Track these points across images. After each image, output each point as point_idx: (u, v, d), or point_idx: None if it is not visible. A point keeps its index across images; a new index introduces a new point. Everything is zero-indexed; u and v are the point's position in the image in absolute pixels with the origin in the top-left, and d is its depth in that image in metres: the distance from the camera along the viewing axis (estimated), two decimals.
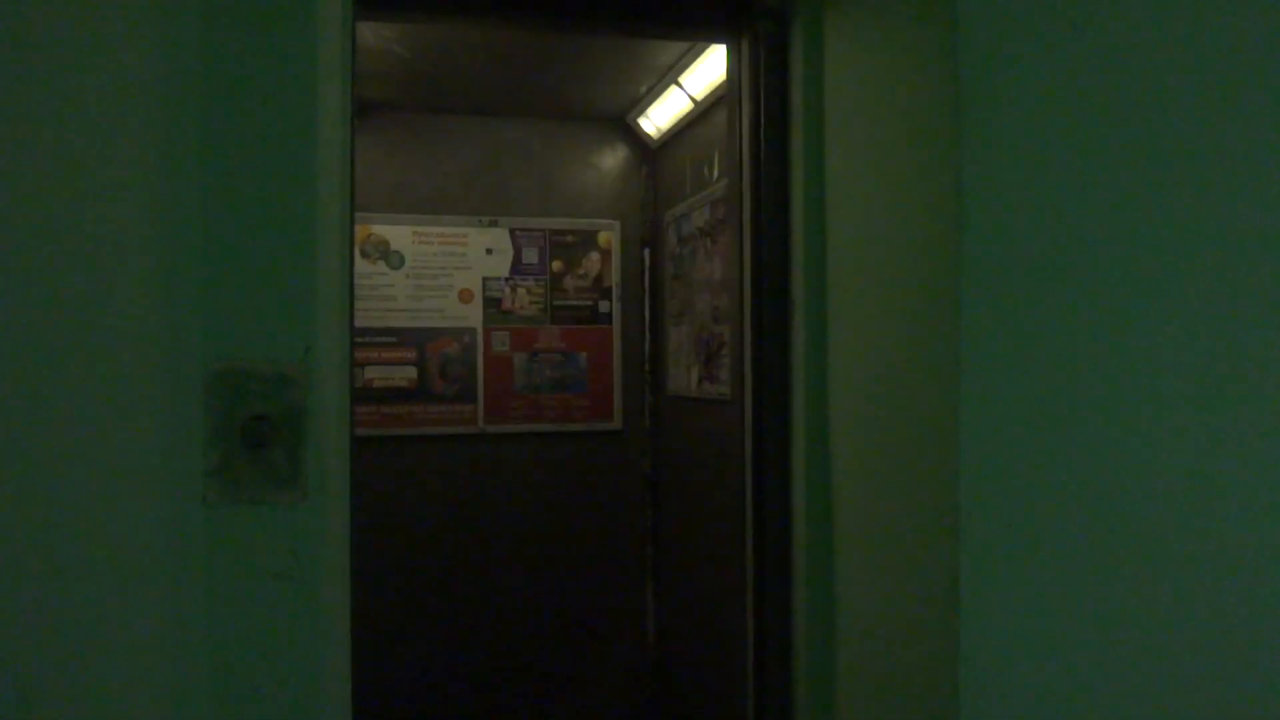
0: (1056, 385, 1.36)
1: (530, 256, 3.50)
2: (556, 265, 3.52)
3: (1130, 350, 1.38)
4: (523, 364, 3.49)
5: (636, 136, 3.56)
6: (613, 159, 3.59)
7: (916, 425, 1.43)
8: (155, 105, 1.01)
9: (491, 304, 3.46)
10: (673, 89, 3.05)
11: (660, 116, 3.31)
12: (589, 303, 3.55)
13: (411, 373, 3.38)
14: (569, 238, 3.53)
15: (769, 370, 1.83)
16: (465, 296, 3.43)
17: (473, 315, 3.44)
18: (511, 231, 3.48)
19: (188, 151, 1.03)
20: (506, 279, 3.48)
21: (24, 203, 0.90)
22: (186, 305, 1.00)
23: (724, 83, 2.44)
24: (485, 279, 3.46)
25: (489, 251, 3.46)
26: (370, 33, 2.62)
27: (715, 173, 2.88)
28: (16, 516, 0.88)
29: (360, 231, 3.28)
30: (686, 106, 3.06)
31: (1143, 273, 1.39)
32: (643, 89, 3.20)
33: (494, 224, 3.47)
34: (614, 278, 3.57)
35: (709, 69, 2.77)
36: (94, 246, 0.95)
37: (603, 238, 3.56)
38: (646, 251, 3.56)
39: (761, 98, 1.84)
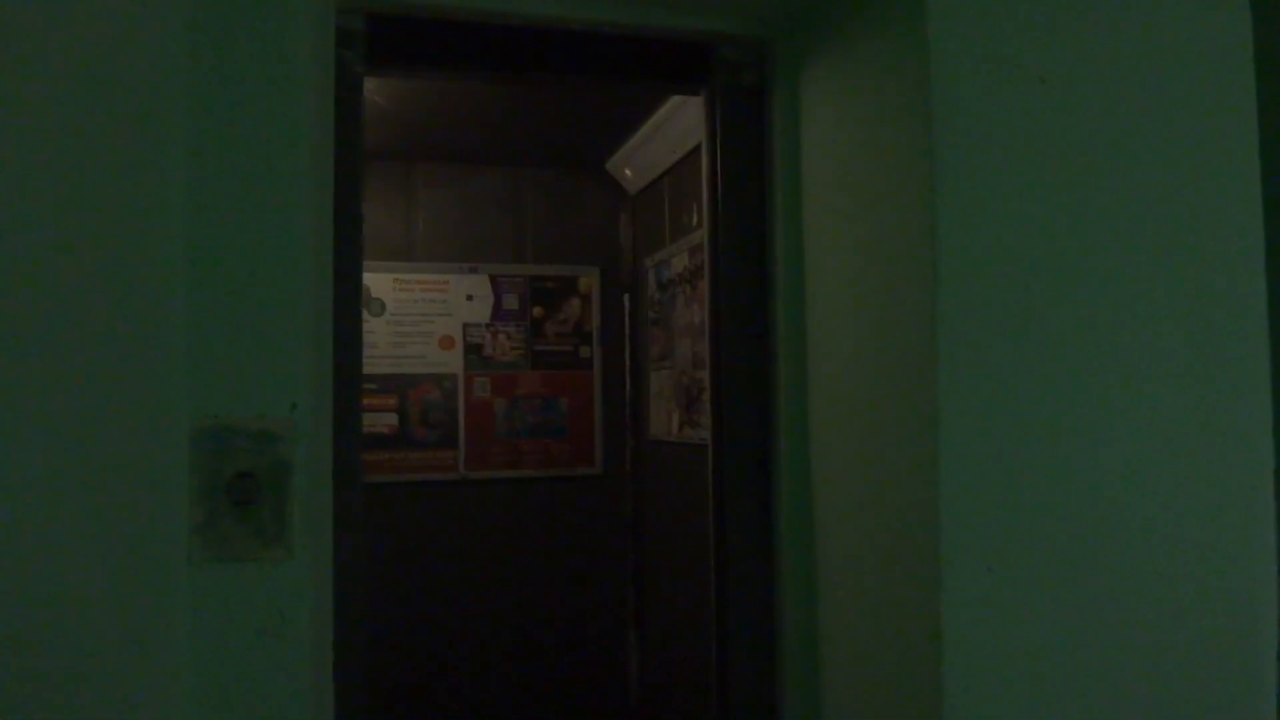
0: (1032, 426, 1.38)
1: (511, 302, 3.52)
2: (537, 311, 3.54)
3: (1105, 390, 1.41)
4: (504, 409, 3.48)
5: (616, 183, 3.60)
6: (592, 205, 3.63)
7: (897, 469, 1.45)
8: (141, 160, 1.02)
9: (472, 350, 3.47)
10: (652, 137, 3.09)
11: (639, 163, 3.36)
12: (569, 348, 3.57)
13: (392, 419, 3.37)
14: (549, 284, 3.56)
15: (751, 414, 1.85)
16: (446, 343, 3.44)
17: (454, 361, 3.44)
18: (492, 278, 3.50)
19: (174, 205, 1.04)
20: (487, 325, 3.49)
21: (6, 257, 0.91)
22: (172, 360, 1.01)
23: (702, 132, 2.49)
24: (466, 325, 3.47)
25: (470, 298, 3.47)
26: None
27: (695, 219, 2.91)
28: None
29: None
30: (666, 153, 3.10)
31: (1117, 315, 1.42)
32: (622, 136, 3.24)
33: (474, 270, 3.48)
34: (594, 323, 3.59)
35: (688, 117, 2.81)
36: (79, 300, 0.96)
37: (583, 283, 3.59)
38: (626, 297, 3.58)
39: (738, 148, 1.88)
